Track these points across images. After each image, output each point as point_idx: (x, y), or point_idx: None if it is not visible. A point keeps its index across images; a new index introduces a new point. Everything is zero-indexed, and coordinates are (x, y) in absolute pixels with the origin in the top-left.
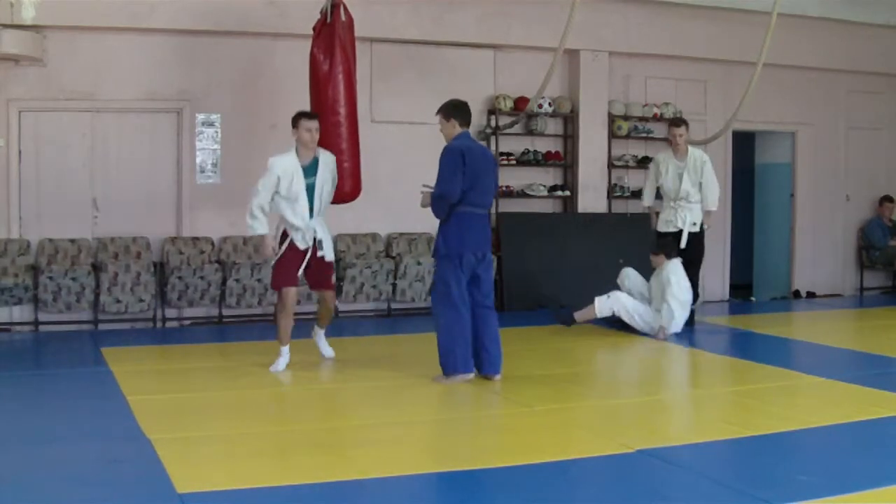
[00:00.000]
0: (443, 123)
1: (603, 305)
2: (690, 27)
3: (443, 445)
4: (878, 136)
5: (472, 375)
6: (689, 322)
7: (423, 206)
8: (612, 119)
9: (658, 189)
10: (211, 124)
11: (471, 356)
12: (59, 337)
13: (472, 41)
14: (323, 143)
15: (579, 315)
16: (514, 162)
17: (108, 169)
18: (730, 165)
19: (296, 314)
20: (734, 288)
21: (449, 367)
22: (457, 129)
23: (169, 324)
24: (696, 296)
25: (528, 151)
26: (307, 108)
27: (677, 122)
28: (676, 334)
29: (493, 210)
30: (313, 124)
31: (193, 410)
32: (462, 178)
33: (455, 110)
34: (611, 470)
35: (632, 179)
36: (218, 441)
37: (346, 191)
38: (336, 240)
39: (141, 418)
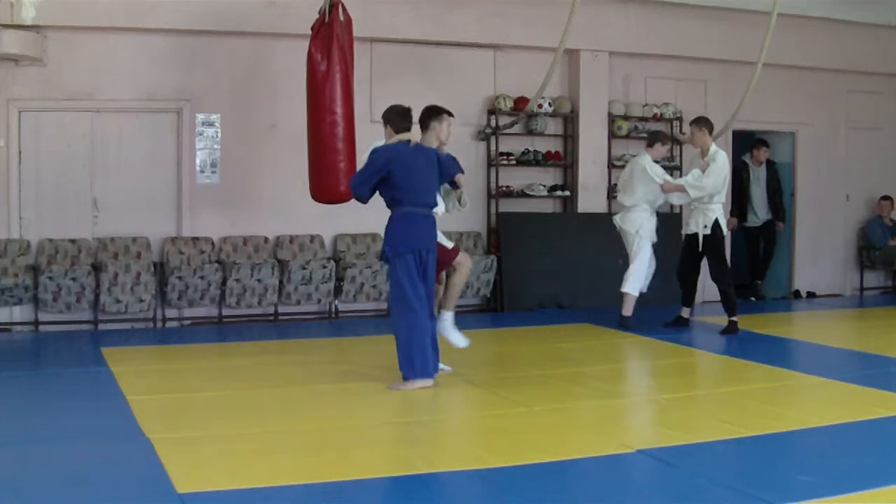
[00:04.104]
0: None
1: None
2: (690, 27)
3: (443, 445)
4: (878, 136)
5: (431, 382)
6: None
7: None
8: (612, 119)
9: None
10: (211, 124)
11: (430, 360)
12: (59, 337)
13: (472, 41)
14: (319, 143)
15: (626, 310)
16: (514, 162)
17: (108, 169)
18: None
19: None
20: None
21: (407, 372)
22: (393, 134)
23: (169, 324)
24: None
25: (528, 151)
26: (305, 107)
27: (691, 122)
28: (676, 334)
29: (493, 210)
30: None
31: (193, 410)
32: (374, 184)
33: (393, 116)
34: (611, 470)
35: None
36: (218, 441)
37: (343, 190)
38: (336, 240)
39: (141, 418)
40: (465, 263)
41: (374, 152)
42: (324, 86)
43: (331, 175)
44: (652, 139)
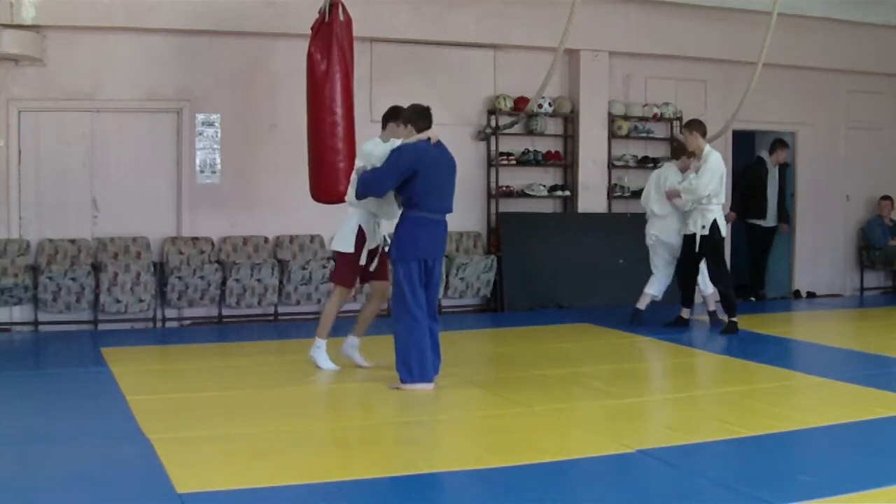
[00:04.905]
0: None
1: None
2: (690, 27)
3: (443, 445)
4: (878, 136)
5: (431, 386)
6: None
7: None
8: (612, 119)
9: None
10: (211, 124)
11: (428, 365)
12: (59, 337)
13: (472, 41)
14: (319, 143)
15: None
16: (514, 162)
17: (108, 169)
18: (730, 165)
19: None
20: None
21: (404, 376)
22: (413, 134)
23: (169, 324)
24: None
25: (528, 151)
26: (305, 107)
27: (683, 125)
28: (676, 334)
29: (493, 210)
30: None
31: (193, 410)
32: (395, 182)
33: (412, 115)
34: (611, 470)
35: (632, 179)
36: (218, 441)
37: (342, 190)
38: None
39: (141, 418)
40: (383, 293)
41: (398, 152)
42: (323, 86)
43: (330, 175)
44: (679, 151)
